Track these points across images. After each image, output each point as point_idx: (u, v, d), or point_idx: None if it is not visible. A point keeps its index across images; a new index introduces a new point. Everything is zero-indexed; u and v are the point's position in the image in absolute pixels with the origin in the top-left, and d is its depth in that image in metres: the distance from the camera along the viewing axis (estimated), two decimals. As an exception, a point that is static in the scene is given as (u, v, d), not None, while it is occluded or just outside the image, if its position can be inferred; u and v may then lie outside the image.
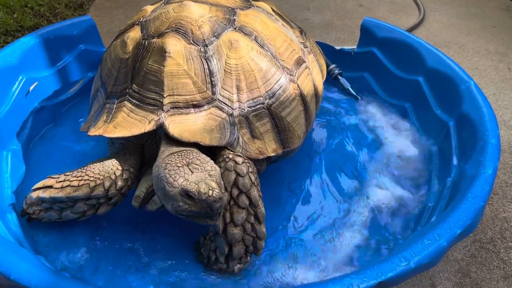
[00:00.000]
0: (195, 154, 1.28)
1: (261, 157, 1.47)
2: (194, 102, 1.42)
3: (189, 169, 1.22)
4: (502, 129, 2.17)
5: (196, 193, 1.16)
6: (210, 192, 1.16)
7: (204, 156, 1.30)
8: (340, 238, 1.57)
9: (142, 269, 1.45)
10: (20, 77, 1.92)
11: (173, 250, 1.51)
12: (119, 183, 1.40)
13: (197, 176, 1.20)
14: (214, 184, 1.18)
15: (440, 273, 1.53)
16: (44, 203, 1.45)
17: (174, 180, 1.20)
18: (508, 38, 3.01)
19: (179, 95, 1.42)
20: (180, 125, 1.38)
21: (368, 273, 1.14)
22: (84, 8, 3.27)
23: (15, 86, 1.89)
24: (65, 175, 1.44)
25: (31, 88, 1.96)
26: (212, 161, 1.30)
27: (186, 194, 1.18)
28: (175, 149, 1.32)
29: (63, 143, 1.94)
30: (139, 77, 1.46)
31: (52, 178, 1.46)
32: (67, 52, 2.14)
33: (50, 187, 1.42)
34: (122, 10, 3.25)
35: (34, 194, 1.44)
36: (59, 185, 1.41)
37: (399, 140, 1.99)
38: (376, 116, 2.14)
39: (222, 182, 1.27)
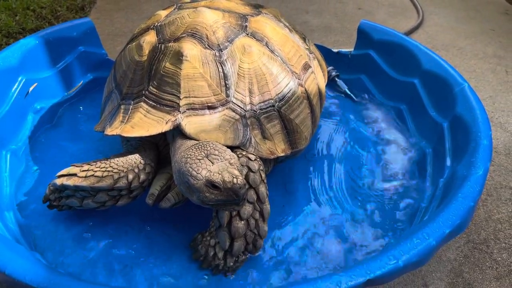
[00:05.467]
0: (211, 145, 1.31)
1: (271, 157, 1.52)
2: (209, 104, 1.47)
3: (209, 160, 1.25)
4: (498, 131, 2.18)
5: (221, 183, 1.20)
6: (235, 180, 1.19)
7: (220, 145, 1.33)
8: (334, 237, 1.58)
9: (137, 267, 1.46)
10: (20, 78, 1.95)
11: (168, 249, 1.53)
12: (142, 176, 1.44)
13: (218, 166, 1.23)
14: (236, 172, 1.22)
15: (433, 273, 1.54)
16: (67, 190, 1.46)
17: (197, 173, 1.23)
18: (507, 41, 3.02)
19: (195, 97, 1.46)
20: (196, 125, 1.43)
21: (356, 270, 1.15)
22: (85, 10, 3.30)
23: (15, 86, 1.93)
24: (89, 164, 1.46)
25: (31, 89, 1.99)
26: (229, 150, 1.33)
27: (212, 184, 1.21)
28: (189, 143, 1.36)
29: (61, 142, 1.96)
30: (155, 79, 1.50)
31: (76, 166, 1.47)
32: (67, 53, 2.17)
33: (74, 175, 1.44)
34: (123, 12, 3.29)
35: (58, 181, 1.45)
36: (83, 174, 1.43)
37: (394, 141, 2.01)
38: (372, 117, 2.16)
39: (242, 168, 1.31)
